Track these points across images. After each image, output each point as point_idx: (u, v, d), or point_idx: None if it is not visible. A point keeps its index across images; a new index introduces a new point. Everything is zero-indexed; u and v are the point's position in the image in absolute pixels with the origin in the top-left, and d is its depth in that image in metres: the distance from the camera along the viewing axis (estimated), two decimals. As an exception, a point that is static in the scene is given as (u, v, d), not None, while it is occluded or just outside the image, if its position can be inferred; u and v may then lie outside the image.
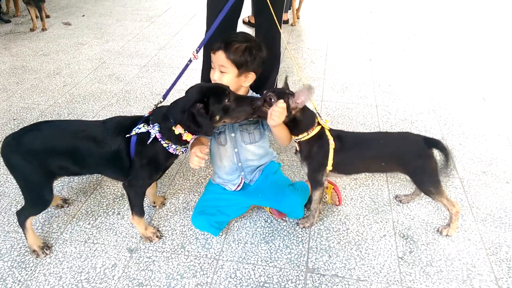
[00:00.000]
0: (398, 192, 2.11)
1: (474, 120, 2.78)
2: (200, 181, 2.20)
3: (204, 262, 1.72)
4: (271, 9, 2.02)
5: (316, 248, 1.78)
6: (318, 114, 1.73)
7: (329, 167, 1.71)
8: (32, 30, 4.37)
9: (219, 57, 1.69)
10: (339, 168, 1.74)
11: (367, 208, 2.01)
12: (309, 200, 1.90)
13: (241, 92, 1.78)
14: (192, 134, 1.56)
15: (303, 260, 1.73)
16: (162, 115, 1.56)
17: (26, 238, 1.73)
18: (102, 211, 1.98)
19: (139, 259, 1.73)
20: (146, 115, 1.62)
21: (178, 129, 1.52)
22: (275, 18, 2.07)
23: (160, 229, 1.88)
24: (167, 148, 1.57)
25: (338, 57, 3.79)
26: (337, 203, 2.02)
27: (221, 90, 1.53)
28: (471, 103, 3.01)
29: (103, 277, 1.65)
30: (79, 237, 1.84)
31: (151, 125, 1.55)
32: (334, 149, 1.68)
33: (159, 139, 1.55)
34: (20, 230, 1.74)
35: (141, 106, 2.93)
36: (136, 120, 1.61)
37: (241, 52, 1.67)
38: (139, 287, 1.61)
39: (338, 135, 1.72)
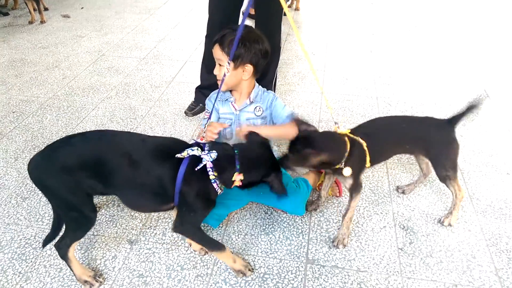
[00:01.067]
0: (398, 183, 2.10)
1: (475, 112, 2.75)
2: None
3: (204, 255, 1.71)
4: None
5: (316, 239, 1.78)
6: (335, 123, 1.66)
7: (368, 164, 1.65)
8: (30, 22, 4.35)
9: (216, 51, 1.71)
10: (374, 161, 1.67)
11: (367, 199, 2.00)
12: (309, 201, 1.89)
13: (245, 85, 1.77)
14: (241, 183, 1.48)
15: (303, 251, 1.73)
16: (227, 154, 1.45)
17: (71, 270, 1.57)
18: (102, 203, 1.98)
19: (139, 251, 1.73)
20: (197, 142, 1.51)
21: (238, 177, 1.44)
22: (284, 6, 2.01)
23: (160, 220, 1.87)
24: (212, 181, 1.43)
25: (338, 49, 3.76)
26: (338, 194, 2.02)
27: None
28: (472, 95, 2.99)
29: (103, 269, 1.66)
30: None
31: (207, 152, 1.43)
32: (367, 146, 1.61)
33: (208, 168, 1.41)
34: (21, 222, 1.75)
35: (140, 98, 2.92)
36: (181, 144, 1.50)
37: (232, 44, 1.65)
38: (139, 278, 1.61)
39: (363, 132, 1.65)
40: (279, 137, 1.84)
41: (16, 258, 1.70)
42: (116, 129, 2.55)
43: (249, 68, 1.73)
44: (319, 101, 2.88)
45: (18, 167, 2.23)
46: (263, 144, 1.53)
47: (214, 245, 1.58)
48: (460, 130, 2.54)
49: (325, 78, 3.21)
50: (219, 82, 1.71)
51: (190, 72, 3.29)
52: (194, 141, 1.50)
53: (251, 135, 1.54)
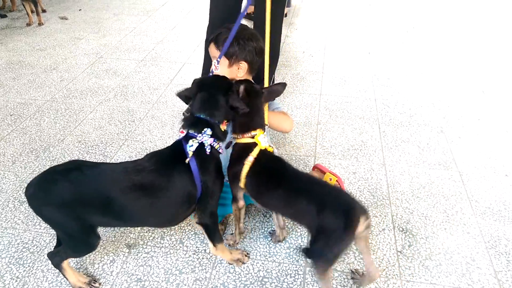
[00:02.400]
0: (397, 186, 2.10)
1: (473, 113, 2.76)
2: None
3: (202, 257, 1.71)
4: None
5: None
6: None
7: (241, 183, 1.53)
8: (28, 24, 4.34)
9: (212, 50, 1.77)
10: (253, 196, 1.56)
11: (366, 202, 2.00)
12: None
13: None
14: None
15: (302, 255, 1.72)
16: (203, 121, 1.44)
17: (66, 278, 1.56)
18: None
19: (137, 255, 1.72)
20: (180, 137, 1.49)
21: (225, 125, 1.48)
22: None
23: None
24: (218, 149, 1.46)
25: (337, 51, 3.76)
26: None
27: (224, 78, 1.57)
28: (471, 96, 2.99)
29: (101, 273, 1.65)
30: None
31: (200, 135, 1.42)
32: (250, 172, 1.51)
33: (213, 144, 1.43)
34: (18, 226, 1.74)
35: (138, 100, 2.91)
36: (172, 149, 1.48)
37: (231, 44, 1.68)
38: (138, 283, 1.60)
39: (270, 163, 1.54)
40: (276, 126, 1.82)
41: (14, 262, 1.69)
42: (114, 132, 2.54)
43: (244, 65, 1.75)
44: (317, 103, 2.88)
45: (16, 170, 2.22)
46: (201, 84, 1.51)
47: (220, 238, 1.60)
48: (458, 132, 2.55)
49: (324, 80, 3.20)
50: None
51: (188, 74, 3.29)
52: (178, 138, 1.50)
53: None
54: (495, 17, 4.64)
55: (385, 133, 2.54)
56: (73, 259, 1.68)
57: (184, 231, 1.83)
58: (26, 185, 2.06)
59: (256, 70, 1.81)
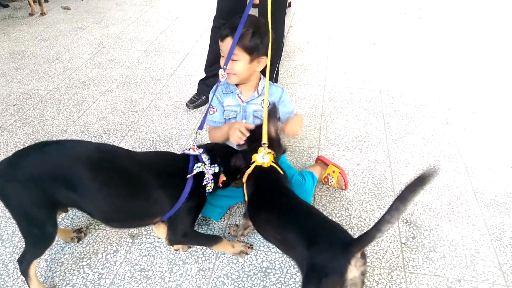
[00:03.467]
0: (401, 177, 2.08)
1: (479, 105, 2.74)
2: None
3: (206, 248, 1.70)
4: None
5: (319, 233, 1.77)
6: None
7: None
8: (30, 14, 4.31)
9: (228, 44, 1.62)
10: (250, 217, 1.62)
11: (370, 193, 1.99)
12: None
13: (254, 77, 1.74)
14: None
15: (305, 246, 1.71)
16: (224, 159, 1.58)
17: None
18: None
19: (140, 245, 1.72)
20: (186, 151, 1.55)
21: (222, 178, 1.59)
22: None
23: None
24: (207, 191, 1.56)
25: (341, 41, 3.72)
26: (343, 187, 2.00)
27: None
28: (477, 88, 2.96)
29: (105, 263, 1.65)
30: (81, 223, 1.83)
31: (209, 166, 1.53)
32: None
33: (208, 181, 1.52)
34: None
35: (141, 91, 2.89)
36: (173, 158, 1.58)
37: (250, 36, 1.61)
38: (141, 273, 1.61)
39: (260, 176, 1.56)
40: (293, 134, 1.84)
41: (17, 252, 1.69)
42: (117, 123, 2.54)
43: (264, 60, 1.70)
44: (321, 94, 2.85)
45: (19, 160, 2.22)
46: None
47: (212, 241, 1.62)
48: (464, 123, 2.52)
49: (328, 71, 3.18)
50: (228, 76, 1.68)
51: (191, 64, 3.27)
52: (184, 152, 1.57)
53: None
54: (501, 7, 4.57)
55: (390, 125, 2.52)
56: (71, 262, 1.68)
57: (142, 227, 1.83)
58: (29, 175, 2.09)
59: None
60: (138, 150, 2.30)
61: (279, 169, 1.53)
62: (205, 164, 1.51)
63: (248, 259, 1.66)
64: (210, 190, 1.55)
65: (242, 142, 1.59)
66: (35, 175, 1.28)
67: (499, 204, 1.93)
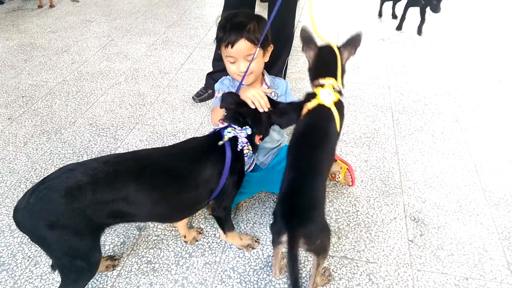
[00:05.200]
0: (409, 174, 2.07)
1: (489, 103, 2.70)
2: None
3: (212, 242, 1.71)
4: None
5: (325, 229, 1.77)
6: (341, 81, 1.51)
7: None
8: (39, 6, 4.32)
9: (243, 47, 1.55)
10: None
11: (378, 190, 1.98)
12: None
13: (261, 69, 1.71)
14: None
15: (311, 241, 1.71)
16: (246, 121, 1.44)
17: None
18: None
19: (147, 237, 1.73)
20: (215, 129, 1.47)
21: (257, 138, 1.48)
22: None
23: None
24: (245, 155, 1.46)
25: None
26: (350, 183, 1.99)
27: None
28: (487, 85, 2.93)
29: (112, 255, 1.66)
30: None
31: (239, 129, 1.42)
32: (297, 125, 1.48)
33: (244, 144, 1.43)
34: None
35: (149, 84, 2.90)
36: (203, 139, 1.47)
37: (258, 30, 1.57)
38: (148, 265, 1.61)
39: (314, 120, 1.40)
40: None
41: (26, 242, 1.70)
42: (125, 116, 2.54)
43: (270, 49, 1.67)
44: (329, 89, 2.83)
45: (28, 151, 2.24)
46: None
47: (231, 226, 1.61)
48: (473, 121, 2.50)
49: (336, 66, 3.15)
50: (245, 78, 1.58)
51: (199, 58, 3.26)
52: (213, 130, 1.50)
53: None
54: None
55: (398, 121, 2.50)
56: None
57: (194, 215, 1.83)
58: (37, 166, 2.11)
59: None
60: (146, 143, 2.31)
61: (337, 117, 1.35)
62: (235, 129, 1.41)
63: (254, 253, 1.66)
64: (249, 152, 1.46)
65: (266, 108, 1.42)
66: (74, 204, 1.14)
67: (508, 203, 1.91)
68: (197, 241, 1.71)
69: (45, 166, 2.13)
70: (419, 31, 3.73)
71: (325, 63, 1.46)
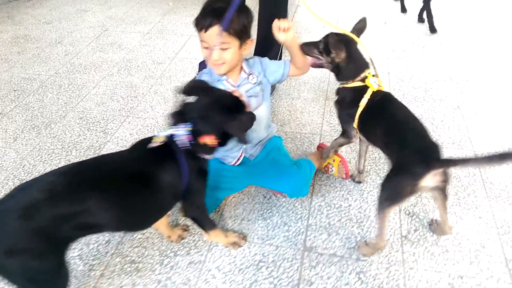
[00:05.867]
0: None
1: (494, 89, 2.58)
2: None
3: (199, 239, 1.67)
4: None
5: (316, 225, 1.71)
6: (374, 68, 1.62)
7: (355, 123, 1.60)
8: (35, -3, 4.26)
9: (215, 33, 1.47)
10: (361, 131, 1.62)
11: (372, 183, 1.90)
12: None
13: (239, 61, 1.63)
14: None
15: (301, 238, 1.66)
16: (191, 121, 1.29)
17: None
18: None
19: (133, 236, 1.69)
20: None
21: (206, 139, 1.29)
22: None
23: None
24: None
25: (350, 21, 3.55)
26: (344, 176, 1.92)
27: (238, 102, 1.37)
28: (492, 70, 2.79)
29: (96, 254, 1.63)
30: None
31: (177, 126, 1.29)
32: (362, 110, 1.56)
33: (185, 142, 1.28)
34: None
35: (142, 75, 2.83)
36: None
37: (237, 19, 1.48)
38: (131, 264, 1.58)
39: (379, 99, 1.55)
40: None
41: None
42: (116, 109, 2.49)
43: (250, 42, 1.59)
44: (326, 77, 2.74)
45: (17, 147, 2.21)
46: (213, 92, 1.33)
47: (212, 224, 1.55)
48: (476, 108, 2.39)
49: (335, 52, 3.05)
50: (217, 67, 1.55)
51: (194, 47, 3.18)
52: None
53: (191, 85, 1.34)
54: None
55: (397, 110, 2.40)
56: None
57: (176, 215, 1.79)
58: (26, 163, 2.08)
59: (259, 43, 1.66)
60: (136, 137, 2.26)
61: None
62: (173, 127, 1.28)
63: (241, 251, 1.61)
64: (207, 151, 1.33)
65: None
66: (31, 224, 1.06)
67: (509, 195, 1.82)
68: (183, 238, 1.67)
69: (33, 162, 2.10)
70: (420, 18, 3.49)
71: (360, 57, 1.64)
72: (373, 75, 1.59)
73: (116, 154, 1.38)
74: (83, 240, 1.68)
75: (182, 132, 1.26)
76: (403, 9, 3.67)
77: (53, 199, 1.08)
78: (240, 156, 1.78)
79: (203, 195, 1.45)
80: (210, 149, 1.33)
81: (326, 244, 1.63)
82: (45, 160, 2.11)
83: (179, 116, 1.30)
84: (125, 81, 2.78)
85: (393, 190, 1.40)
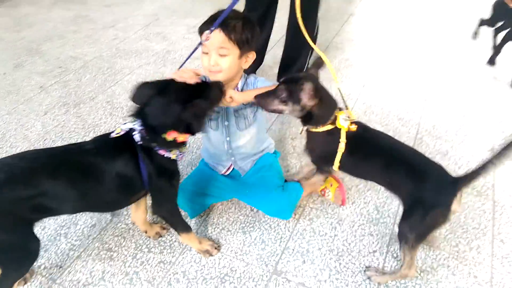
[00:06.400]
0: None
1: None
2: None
3: (175, 240, 1.68)
4: None
5: (293, 249, 1.65)
6: (345, 104, 1.48)
7: (335, 167, 1.50)
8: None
9: (217, 38, 1.47)
10: (346, 169, 1.54)
11: (367, 216, 1.80)
12: None
13: (238, 76, 1.61)
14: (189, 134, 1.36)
15: (274, 260, 1.61)
16: (146, 125, 1.29)
17: None
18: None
19: (117, 225, 1.76)
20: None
21: (171, 135, 1.30)
22: None
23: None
24: (156, 149, 1.33)
25: (407, 40, 3.36)
26: (340, 203, 1.84)
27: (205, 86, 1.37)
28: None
29: (80, 235, 1.71)
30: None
31: (135, 122, 1.32)
32: (343, 153, 1.44)
33: (145, 138, 1.30)
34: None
35: (174, 68, 2.90)
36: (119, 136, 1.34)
37: (241, 29, 1.47)
38: (107, 252, 1.64)
39: (357, 135, 1.43)
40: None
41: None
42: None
43: (252, 55, 1.57)
44: (357, 94, 2.62)
45: (45, 121, 2.38)
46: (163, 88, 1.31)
47: (184, 227, 1.55)
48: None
49: (375, 70, 2.90)
50: (213, 74, 1.52)
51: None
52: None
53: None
54: None
55: (421, 141, 2.24)
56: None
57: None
58: (48, 137, 2.23)
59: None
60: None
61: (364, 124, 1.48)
62: (132, 122, 1.31)
63: (211, 260, 1.61)
64: (164, 151, 1.34)
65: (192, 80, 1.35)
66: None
67: (520, 256, 1.63)
68: (161, 236, 1.70)
69: (54, 138, 2.25)
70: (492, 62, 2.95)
71: (330, 98, 1.47)
72: (340, 109, 1.46)
73: (76, 144, 1.43)
74: (72, 219, 1.78)
75: (138, 127, 1.29)
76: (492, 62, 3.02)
77: (11, 181, 1.16)
78: (230, 166, 1.77)
79: (172, 196, 1.46)
80: (178, 144, 1.34)
81: (298, 271, 1.57)
82: (64, 138, 2.25)
83: (139, 112, 1.31)
84: (158, 72, 2.87)
85: (425, 227, 1.35)
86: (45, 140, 2.24)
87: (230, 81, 1.58)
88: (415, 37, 3.37)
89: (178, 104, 1.26)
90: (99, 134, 2.23)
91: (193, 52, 1.51)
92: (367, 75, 2.83)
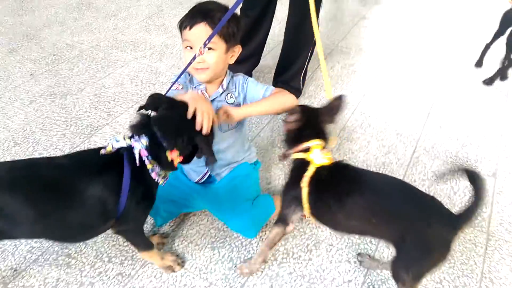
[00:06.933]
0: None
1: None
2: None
3: (137, 252, 1.58)
4: None
5: (262, 271, 1.54)
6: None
7: (306, 211, 1.31)
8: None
9: (202, 32, 1.37)
10: (315, 210, 1.31)
11: (348, 240, 1.67)
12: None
13: (223, 72, 1.50)
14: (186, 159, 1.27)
15: (239, 282, 1.50)
16: (151, 134, 1.17)
17: None
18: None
19: (81, 228, 1.67)
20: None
21: (173, 155, 1.20)
22: None
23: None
24: (150, 171, 1.19)
25: (417, 48, 3.19)
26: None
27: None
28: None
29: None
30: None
31: (136, 137, 1.17)
32: (314, 192, 1.27)
33: (144, 158, 1.16)
34: None
35: (170, 63, 2.81)
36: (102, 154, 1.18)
37: (227, 22, 1.35)
38: (66, 258, 1.55)
39: (342, 164, 1.30)
40: (271, 111, 1.54)
41: None
42: (130, 93, 2.49)
43: (238, 49, 1.47)
44: (355, 104, 2.47)
45: (28, 111, 2.31)
46: (177, 106, 1.23)
47: (146, 246, 1.44)
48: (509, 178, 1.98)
49: (378, 78, 2.74)
50: (199, 72, 1.42)
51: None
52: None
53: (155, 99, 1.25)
54: None
55: (418, 160, 2.09)
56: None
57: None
58: (28, 128, 2.16)
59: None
60: (135, 126, 2.23)
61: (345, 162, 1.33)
62: (130, 138, 1.17)
63: (172, 276, 1.51)
64: (156, 169, 1.20)
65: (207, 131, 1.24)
66: None
67: (509, 302, 1.48)
68: (164, 244, 1.61)
69: (34, 129, 2.17)
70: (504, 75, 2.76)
71: (313, 126, 1.35)
72: (323, 147, 1.29)
73: (54, 158, 1.31)
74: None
75: (139, 146, 1.15)
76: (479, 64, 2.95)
77: None
78: (206, 173, 1.66)
79: (142, 224, 1.36)
80: (173, 167, 1.24)
81: (262, 296, 1.46)
82: (44, 130, 2.18)
83: (141, 128, 1.20)
84: (153, 66, 2.77)
85: (423, 267, 1.23)
86: (24, 130, 2.16)
87: (215, 78, 1.48)
88: (426, 49, 3.18)
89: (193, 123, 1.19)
90: (79, 129, 2.18)
91: (188, 65, 1.39)
92: (370, 84, 2.68)
